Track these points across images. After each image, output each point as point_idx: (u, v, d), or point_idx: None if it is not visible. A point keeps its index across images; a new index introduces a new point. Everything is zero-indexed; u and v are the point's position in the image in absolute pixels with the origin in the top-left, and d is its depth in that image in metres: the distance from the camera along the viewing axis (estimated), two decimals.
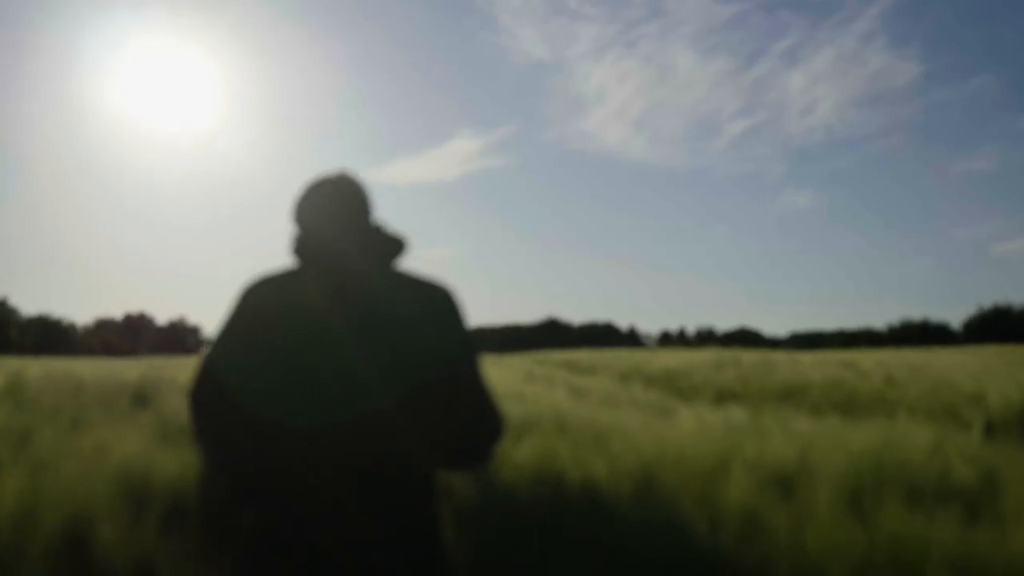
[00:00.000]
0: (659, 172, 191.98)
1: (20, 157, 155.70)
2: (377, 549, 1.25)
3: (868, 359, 14.08)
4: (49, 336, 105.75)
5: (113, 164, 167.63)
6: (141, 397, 5.19)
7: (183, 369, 6.50)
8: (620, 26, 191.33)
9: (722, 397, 9.46)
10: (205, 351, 1.38)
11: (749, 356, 15.28)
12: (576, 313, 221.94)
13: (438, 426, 1.30)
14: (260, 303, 1.34)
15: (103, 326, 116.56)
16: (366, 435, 1.27)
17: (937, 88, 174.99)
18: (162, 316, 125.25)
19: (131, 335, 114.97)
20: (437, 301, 1.37)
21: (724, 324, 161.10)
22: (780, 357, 15.82)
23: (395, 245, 1.41)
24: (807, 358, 14.75)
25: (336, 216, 1.40)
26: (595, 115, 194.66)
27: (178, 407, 4.95)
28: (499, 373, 12.32)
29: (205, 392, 1.34)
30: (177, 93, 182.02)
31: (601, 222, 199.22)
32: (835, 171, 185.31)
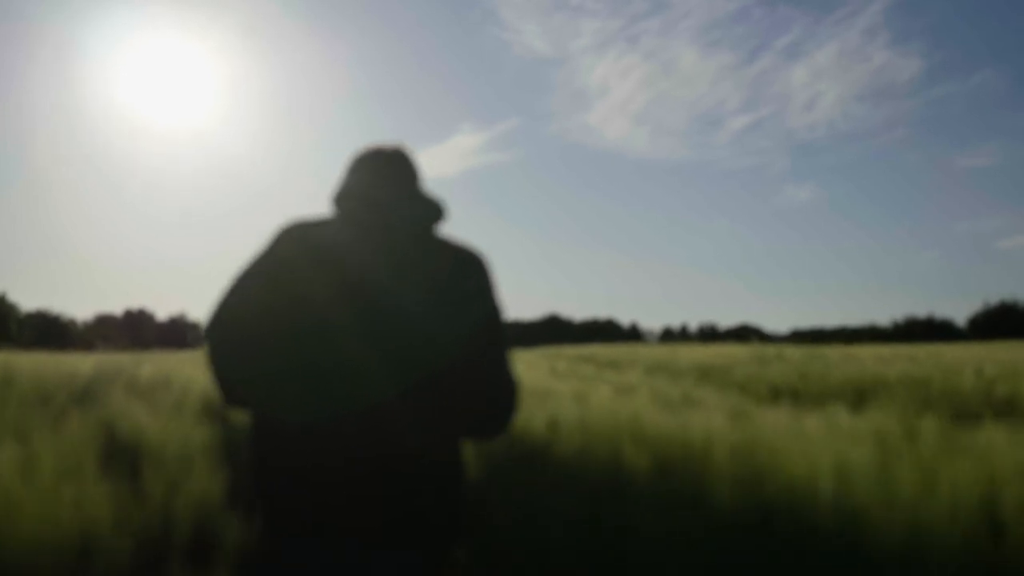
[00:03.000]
0: (661, 167, 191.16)
1: (21, 151, 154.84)
2: (391, 534, 1.21)
3: (921, 352, 12.86)
4: (48, 331, 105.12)
5: (115, 159, 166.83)
6: (85, 396, 4.07)
7: (145, 363, 5.44)
8: (622, 21, 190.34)
9: (778, 395, 8.26)
10: (228, 287, 1.32)
11: (792, 351, 13.99)
12: (577, 309, 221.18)
13: (457, 392, 1.28)
14: (291, 248, 1.31)
15: (103, 322, 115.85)
16: (380, 407, 1.22)
17: (939, 83, 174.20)
18: (162, 312, 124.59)
19: (131, 331, 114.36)
20: (468, 266, 1.36)
21: (725, 320, 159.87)
22: (829, 351, 14.53)
23: (435, 210, 1.41)
24: (865, 352, 13.44)
25: (383, 176, 1.41)
26: (597, 110, 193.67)
27: (128, 410, 3.83)
28: (518, 368, 11.22)
29: (221, 330, 1.31)
30: (177, 88, 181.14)
31: (603, 217, 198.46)
32: (837, 166, 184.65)
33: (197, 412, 4.40)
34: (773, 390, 8.43)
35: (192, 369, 6.35)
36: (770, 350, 14.32)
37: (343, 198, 1.38)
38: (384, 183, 1.39)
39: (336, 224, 1.35)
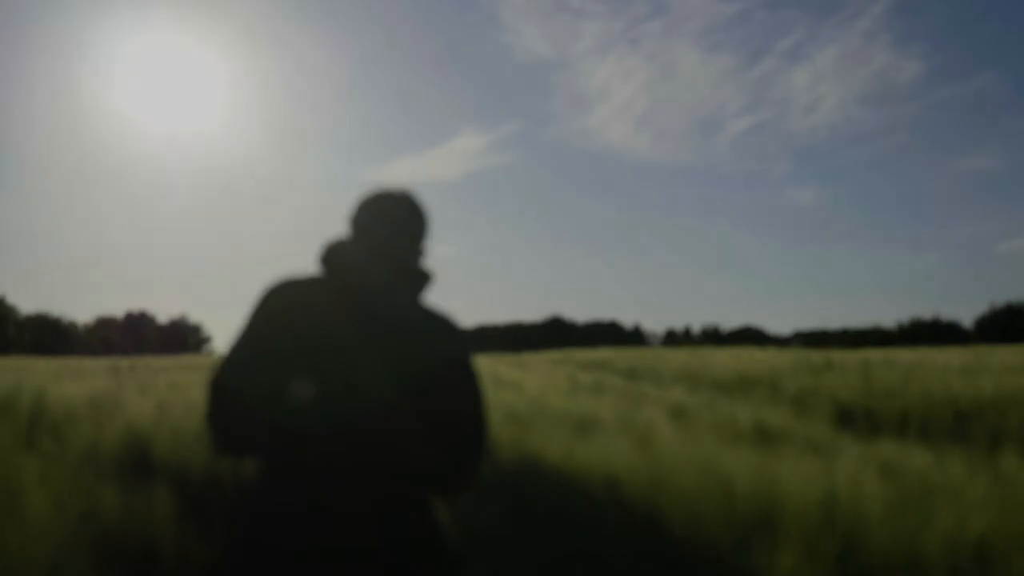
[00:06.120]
0: (663, 169, 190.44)
1: (21, 153, 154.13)
2: (378, 554, 1.26)
3: (991, 357, 11.57)
4: (48, 335, 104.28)
5: (115, 161, 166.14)
6: None
7: (65, 379, 4.21)
8: (623, 23, 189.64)
9: (847, 416, 6.97)
10: (223, 354, 1.39)
11: (840, 356, 12.57)
12: (580, 311, 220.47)
13: (431, 442, 1.33)
14: (278, 309, 1.37)
15: (104, 324, 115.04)
16: (367, 445, 1.29)
17: (941, 86, 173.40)
18: (163, 314, 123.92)
19: (132, 333, 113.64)
20: (438, 332, 1.41)
21: (727, 322, 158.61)
22: (883, 356, 13.13)
23: (420, 279, 1.45)
24: (931, 357, 12.05)
25: (377, 237, 1.43)
26: (598, 113, 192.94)
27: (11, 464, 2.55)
28: (534, 380, 9.89)
29: (220, 399, 1.34)
30: (179, 90, 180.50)
31: (605, 220, 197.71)
32: (838, 169, 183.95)
33: (118, 461, 3.15)
34: (840, 408, 7.13)
35: (136, 385, 5.10)
36: (816, 356, 12.89)
37: (337, 257, 1.41)
38: (382, 249, 1.42)
39: (323, 285, 1.39)
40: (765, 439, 4.51)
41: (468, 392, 1.38)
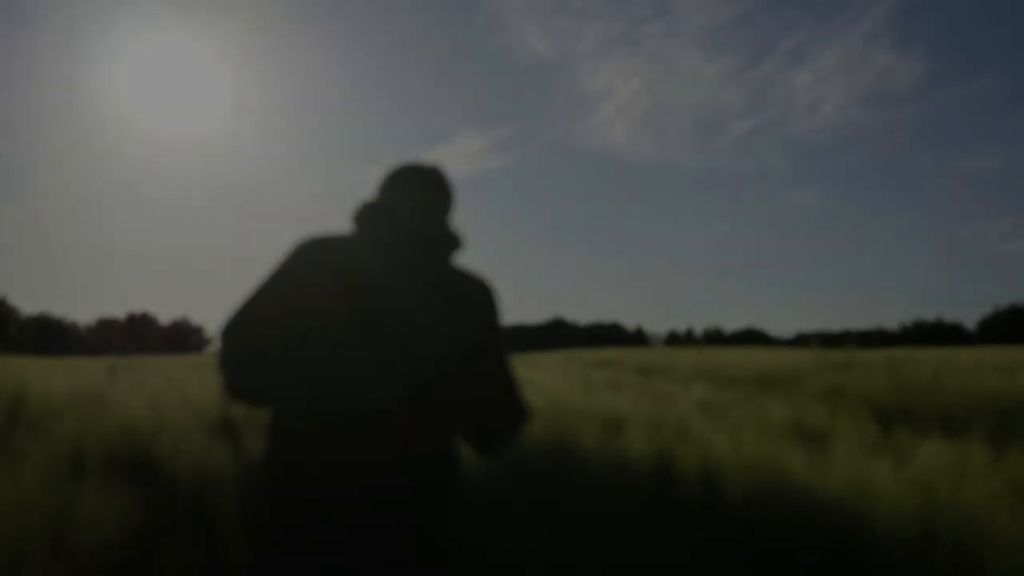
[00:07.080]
0: (664, 171, 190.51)
1: (24, 155, 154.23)
2: (390, 542, 1.22)
3: (1019, 356, 11.17)
4: (49, 335, 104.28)
5: (118, 163, 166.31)
6: None
7: (59, 375, 3.88)
8: (625, 24, 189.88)
9: (880, 414, 6.60)
10: (241, 299, 1.36)
11: (863, 354, 12.17)
12: (582, 313, 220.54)
13: (461, 410, 1.31)
14: (307, 264, 1.34)
15: (105, 325, 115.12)
16: (384, 416, 1.24)
17: (943, 87, 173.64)
18: (165, 315, 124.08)
19: (133, 334, 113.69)
20: (474, 292, 1.39)
21: (729, 323, 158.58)
22: (901, 353, 12.79)
23: (451, 242, 1.43)
24: (960, 356, 11.64)
25: (415, 204, 1.43)
26: (600, 113, 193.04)
27: None
28: (547, 377, 9.53)
29: (234, 345, 1.31)
30: (184, 93, 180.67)
31: (606, 221, 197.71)
32: (840, 170, 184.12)
33: (104, 457, 2.80)
34: (873, 406, 6.76)
35: (131, 382, 4.76)
36: (836, 354, 12.50)
37: (371, 215, 1.39)
38: (415, 211, 1.41)
39: (356, 242, 1.37)
40: (809, 437, 4.15)
41: (503, 354, 1.35)
